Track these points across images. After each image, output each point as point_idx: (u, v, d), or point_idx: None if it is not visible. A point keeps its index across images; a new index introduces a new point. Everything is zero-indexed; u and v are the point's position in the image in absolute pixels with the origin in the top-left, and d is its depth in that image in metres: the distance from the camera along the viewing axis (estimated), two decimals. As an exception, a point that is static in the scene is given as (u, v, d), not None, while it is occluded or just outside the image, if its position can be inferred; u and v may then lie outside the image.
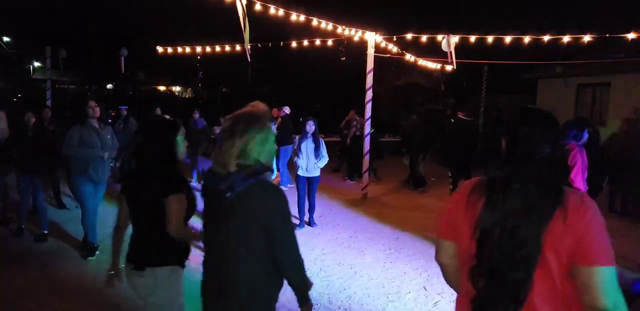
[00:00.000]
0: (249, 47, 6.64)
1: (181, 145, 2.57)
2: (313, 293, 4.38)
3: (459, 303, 1.75)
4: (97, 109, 5.11)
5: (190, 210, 2.52)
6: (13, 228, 5.98)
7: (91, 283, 4.47)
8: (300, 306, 2.08)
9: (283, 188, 9.16)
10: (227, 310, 1.96)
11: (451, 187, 8.72)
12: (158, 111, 9.54)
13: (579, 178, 3.88)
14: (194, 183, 9.15)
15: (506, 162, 1.56)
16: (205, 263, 2.09)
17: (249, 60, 7.27)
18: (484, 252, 1.53)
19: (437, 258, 1.82)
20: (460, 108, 9.01)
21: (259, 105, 2.04)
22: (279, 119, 9.65)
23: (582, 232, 1.45)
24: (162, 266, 2.44)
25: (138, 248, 2.50)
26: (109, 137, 5.24)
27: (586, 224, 1.46)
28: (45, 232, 5.75)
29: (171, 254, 2.48)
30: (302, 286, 2.04)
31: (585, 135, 4.31)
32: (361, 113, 9.24)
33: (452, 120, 8.75)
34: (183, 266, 2.56)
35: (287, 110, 9.84)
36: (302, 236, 6.20)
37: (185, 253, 2.56)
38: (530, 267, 1.46)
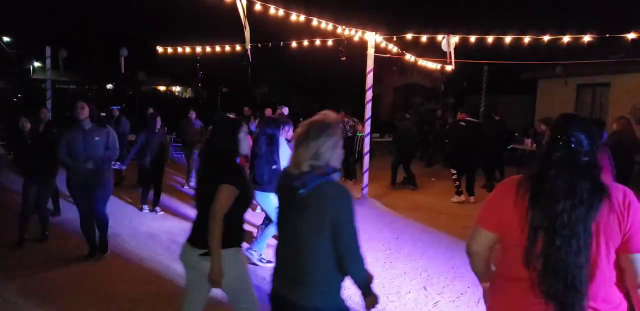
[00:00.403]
0: (249, 47, 6.64)
1: (244, 141, 2.82)
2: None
3: (497, 286, 1.89)
4: (86, 110, 4.89)
5: (245, 204, 2.73)
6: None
7: (91, 283, 4.47)
8: (365, 297, 2.22)
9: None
10: (302, 295, 2.12)
11: (457, 183, 8.61)
12: (151, 111, 9.35)
13: (608, 177, 3.95)
14: (187, 187, 9.05)
15: (556, 162, 1.74)
16: (278, 252, 2.30)
17: (250, 59, 7.28)
18: (538, 242, 1.70)
19: (470, 247, 1.96)
20: (463, 110, 8.95)
21: (330, 114, 2.29)
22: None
23: (629, 223, 1.68)
24: (227, 248, 2.62)
25: (203, 232, 2.62)
26: (97, 138, 4.95)
27: (632, 215, 1.69)
28: (46, 232, 5.72)
29: (232, 236, 2.67)
30: (364, 279, 2.18)
31: (605, 135, 4.33)
32: (359, 113, 9.24)
33: (462, 123, 8.63)
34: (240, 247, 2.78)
35: (285, 110, 9.81)
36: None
37: (243, 236, 2.84)
38: (584, 255, 1.65)
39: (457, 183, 8.59)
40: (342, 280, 2.18)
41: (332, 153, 2.18)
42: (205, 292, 2.83)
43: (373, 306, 2.21)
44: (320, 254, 2.10)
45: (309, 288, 2.11)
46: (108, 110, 11.36)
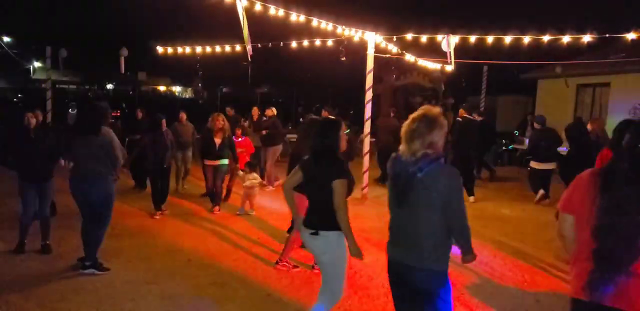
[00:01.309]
0: (249, 47, 6.64)
1: (343, 139, 3.30)
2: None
3: (580, 258, 2.24)
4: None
5: (349, 192, 3.22)
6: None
7: (91, 283, 4.47)
8: (465, 256, 2.72)
9: (270, 188, 9.15)
10: (416, 259, 2.60)
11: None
12: (138, 112, 9.36)
13: None
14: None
15: (628, 159, 2.18)
16: (393, 226, 2.77)
17: (250, 59, 7.29)
18: (604, 219, 2.13)
19: (561, 232, 2.38)
20: (467, 108, 9.01)
21: (433, 109, 2.67)
22: (272, 119, 9.53)
23: None
24: (331, 231, 3.15)
25: (313, 216, 3.24)
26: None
27: None
28: (48, 242, 5.37)
29: (337, 222, 3.13)
30: (467, 245, 2.68)
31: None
32: (360, 113, 9.23)
33: (459, 119, 8.71)
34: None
35: (274, 110, 9.77)
36: (302, 236, 6.22)
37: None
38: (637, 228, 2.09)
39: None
40: (449, 246, 2.64)
41: (441, 142, 2.63)
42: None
43: (469, 262, 2.77)
44: (432, 224, 2.57)
45: (422, 253, 2.58)
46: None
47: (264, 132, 9.22)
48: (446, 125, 2.64)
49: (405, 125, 2.66)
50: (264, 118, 9.67)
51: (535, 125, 8.66)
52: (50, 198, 5.46)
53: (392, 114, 10.64)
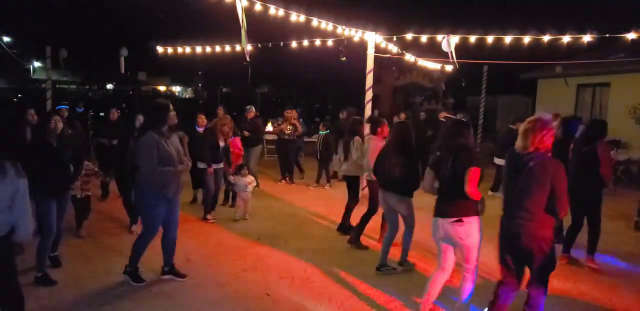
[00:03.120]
0: (247, 47, 6.64)
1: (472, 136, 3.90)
2: (313, 293, 4.38)
3: None
4: (60, 125, 4.51)
5: (481, 179, 3.67)
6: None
7: (91, 283, 4.47)
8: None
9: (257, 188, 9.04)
10: (529, 227, 3.29)
11: None
12: (112, 113, 8.30)
13: None
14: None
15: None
16: (508, 202, 3.47)
17: (247, 59, 7.23)
18: None
19: None
20: (448, 109, 9.23)
21: (546, 114, 3.43)
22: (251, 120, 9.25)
23: None
24: (471, 216, 3.62)
25: (451, 206, 3.69)
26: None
27: None
28: (56, 253, 4.92)
29: (474, 208, 3.63)
30: (563, 215, 3.40)
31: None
32: (360, 113, 9.22)
33: (442, 120, 8.96)
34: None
35: (254, 110, 9.49)
36: (302, 236, 6.21)
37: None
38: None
39: None
40: (552, 218, 3.32)
41: (550, 140, 3.32)
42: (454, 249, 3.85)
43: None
44: (541, 202, 3.26)
45: (534, 223, 3.29)
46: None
47: (246, 133, 8.85)
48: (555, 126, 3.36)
49: (522, 125, 3.39)
50: (248, 120, 9.26)
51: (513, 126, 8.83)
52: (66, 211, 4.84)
53: (404, 117, 10.87)
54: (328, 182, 9.72)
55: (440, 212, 3.74)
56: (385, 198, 4.94)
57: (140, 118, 6.46)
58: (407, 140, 4.83)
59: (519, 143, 3.36)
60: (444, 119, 8.97)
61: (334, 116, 13.23)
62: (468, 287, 3.73)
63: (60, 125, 4.57)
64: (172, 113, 4.42)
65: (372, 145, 5.55)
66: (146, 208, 4.39)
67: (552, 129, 3.34)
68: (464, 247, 3.68)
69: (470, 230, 3.62)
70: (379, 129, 5.66)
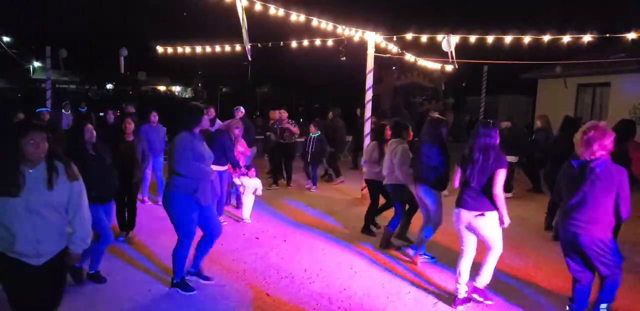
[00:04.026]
0: (249, 46, 6.63)
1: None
2: (313, 293, 4.39)
3: None
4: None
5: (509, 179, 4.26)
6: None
7: (90, 284, 4.47)
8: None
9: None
10: (592, 230, 3.51)
11: None
12: (109, 115, 7.90)
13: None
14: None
15: None
16: (569, 205, 3.62)
17: (250, 59, 7.21)
18: None
19: None
20: (439, 110, 9.25)
21: (599, 123, 3.57)
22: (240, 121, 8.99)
23: None
24: (492, 211, 4.00)
25: (475, 201, 4.04)
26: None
27: None
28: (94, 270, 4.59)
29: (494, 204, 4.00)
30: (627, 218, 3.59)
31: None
32: (361, 112, 9.23)
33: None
34: None
35: (242, 110, 8.94)
36: (302, 236, 6.21)
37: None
38: None
39: None
40: (613, 221, 3.51)
41: (610, 146, 3.51)
42: (475, 239, 4.20)
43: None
44: (605, 206, 3.47)
45: (597, 226, 3.50)
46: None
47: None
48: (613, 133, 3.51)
49: (580, 134, 3.57)
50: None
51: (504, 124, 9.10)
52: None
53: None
54: (315, 184, 9.53)
55: (465, 203, 4.10)
56: (416, 191, 5.23)
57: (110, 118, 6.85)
58: (440, 135, 5.03)
59: (581, 151, 3.54)
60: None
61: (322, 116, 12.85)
62: (489, 269, 4.14)
63: (132, 125, 4.97)
64: (205, 117, 4.40)
65: (403, 149, 5.58)
66: (179, 214, 4.23)
67: (613, 134, 3.52)
68: (487, 237, 4.08)
69: (491, 223, 4.02)
70: (404, 133, 5.78)
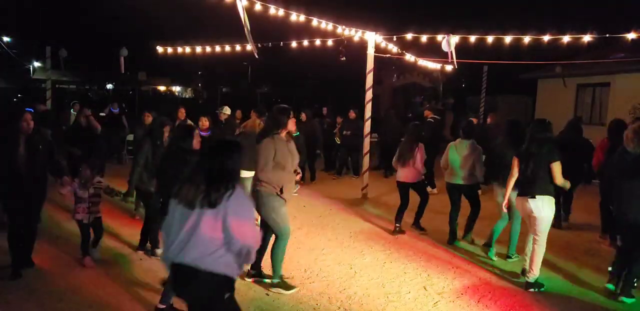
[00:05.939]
0: (253, 45, 6.65)
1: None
2: (313, 293, 4.38)
3: None
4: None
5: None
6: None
7: (90, 284, 4.47)
8: None
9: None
10: (635, 212, 4.22)
11: None
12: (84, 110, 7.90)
13: None
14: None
15: None
16: (621, 201, 4.31)
17: (257, 56, 7.26)
18: None
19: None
20: (432, 109, 9.52)
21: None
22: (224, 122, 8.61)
23: None
24: (544, 195, 4.46)
25: (529, 186, 4.52)
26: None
27: None
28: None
29: (548, 188, 4.48)
30: None
31: None
32: (361, 113, 9.23)
33: (430, 120, 9.14)
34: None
35: (228, 111, 8.84)
36: (302, 236, 6.20)
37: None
38: None
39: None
40: None
41: None
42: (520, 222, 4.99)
43: None
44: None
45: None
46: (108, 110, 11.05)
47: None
48: None
49: (631, 130, 4.21)
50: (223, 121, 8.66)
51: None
52: None
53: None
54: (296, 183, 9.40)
55: (523, 191, 4.60)
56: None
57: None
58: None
59: (632, 146, 4.19)
60: (431, 120, 9.09)
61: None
62: (536, 259, 4.51)
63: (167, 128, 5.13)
64: (292, 120, 4.46)
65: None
66: (272, 213, 4.33)
67: None
68: (536, 220, 4.49)
69: (541, 205, 4.45)
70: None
